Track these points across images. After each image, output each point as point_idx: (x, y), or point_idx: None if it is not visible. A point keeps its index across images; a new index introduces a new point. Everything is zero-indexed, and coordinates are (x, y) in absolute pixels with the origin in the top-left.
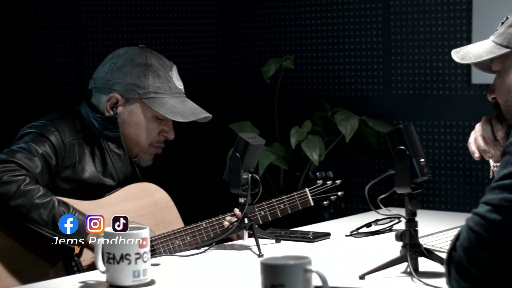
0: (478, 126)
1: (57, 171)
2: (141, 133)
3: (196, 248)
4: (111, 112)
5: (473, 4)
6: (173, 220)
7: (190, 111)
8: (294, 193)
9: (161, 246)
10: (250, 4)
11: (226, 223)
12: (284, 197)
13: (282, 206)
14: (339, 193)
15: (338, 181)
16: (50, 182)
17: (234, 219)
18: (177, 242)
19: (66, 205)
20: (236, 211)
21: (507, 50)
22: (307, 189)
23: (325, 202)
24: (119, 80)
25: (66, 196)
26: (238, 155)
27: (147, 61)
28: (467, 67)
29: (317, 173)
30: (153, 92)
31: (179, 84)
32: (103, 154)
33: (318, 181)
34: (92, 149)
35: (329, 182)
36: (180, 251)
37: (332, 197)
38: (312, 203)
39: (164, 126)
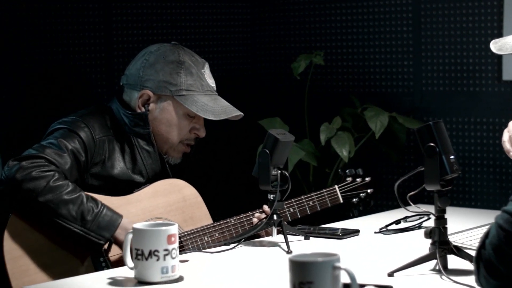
0: (511, 125)
1: (87, 167)
2: (172, 130)
3: (225, 244)
4: (143, 109)
5: (504, 0)
6: (202, 216)
7: (222, 109)
8: (323, 190)
9: (189, 242)
10: (280, 0)
11: (255, 220)
12: (313, 194)
13: (311, 203)
14: (369, 191)
15: (367, 179)
16: (79, 178)
17: (263, 215)
18: (206, 239)
19: (95, 200)
20: (265, 207)
21: None
22: (336, 186)
23: (354, 200)
24: (151, 77)
25: (95, 192)
26: (267, 151)
27: (180, 58)
28: (497, 63)
29: (347, 170)
30: (185, 90)
31: (211, 82)
32: (133, 151)
33: (348, 178)
34: (122, 146)
35: (358, 180)
36: (209, 247)
37: (361, 194)
38: (341, 200)
39: (195, 124)
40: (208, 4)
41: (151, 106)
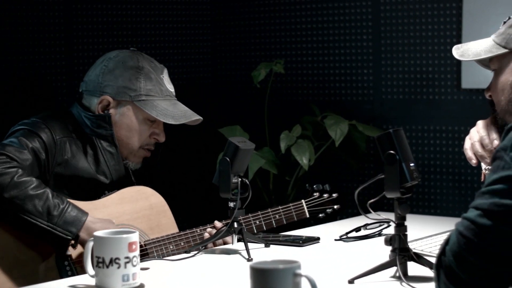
0: (473, 132)
1: (48, 167)
2: (132, 135)
3: (186, 252)
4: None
5: (463, 9)
6: (168, 225)
7: (182, 114)
8: (290, 204)
9: (155, 250)
10: (241, 9)
11: (206, 235)
12: (280, 208)
13: (277, 217)
14: (335, 207)
15: (334, 195)
16: (41, 178)
17: (215, 231)
18: (171, 247)
19: (60, 197)
20: (216, 223)
21: (505, 50)
22: (303, 201)
23: (320, 215)
24: (110, 82)
25: (59, 192)
26: (228, 159)
27: (139, 64)
28: (457, 72)
29: (314, 186)
30: (144, 95)
31: (170, 87)
32: (96, 152)
33: (315, 194)
34: (84, 147)
35: (325, 195)
36: (168, 255)
37: (328, 210)
38: (307, 215)
39: (155, 129)
40: (168, 13)
41: (111, 111)
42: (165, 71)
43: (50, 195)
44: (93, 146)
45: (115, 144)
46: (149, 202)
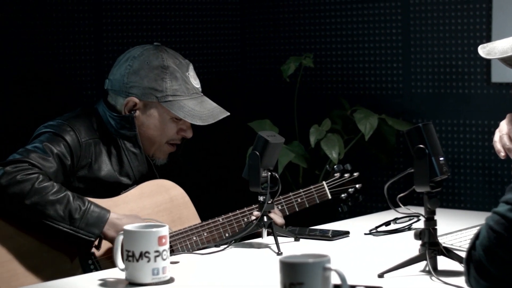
0: (503, 124)
1: (73, 171)
2: (159, 134)
3: (215, 246)
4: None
5: (493, 2)
6: (190, 216)
7: (209, 113)
8: (311, 186)
9: (178, 242)
10: (270, 2)
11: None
12: (301, 190)
13: (299, 200)
14: (357, 186)
15: (356, 174)
16: (65, 182)
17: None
18: (194, 238)
19: (81, 198)
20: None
21: None
22: (324, 182)
23: (342, 195)
24: (136, 83)
25: (82, 195)
26: (257, 153)
27: (164, 63)
28: (486, 66)
29: (335, 166)
30: (171, 95)
31: (196, 83)
32: (120, 153)
33: (336, 174)
34: (108, 148)
35: (346, 175)
36: (198, 247)
37: (350, 189)
38: (329, 196)
39: (182, 125)
40: (198, 6)
41: (138, 112)
42: (191, 67)
43: (71, 198)
44: (117, 147)
45: (138, 145)
46: (169, 195)
